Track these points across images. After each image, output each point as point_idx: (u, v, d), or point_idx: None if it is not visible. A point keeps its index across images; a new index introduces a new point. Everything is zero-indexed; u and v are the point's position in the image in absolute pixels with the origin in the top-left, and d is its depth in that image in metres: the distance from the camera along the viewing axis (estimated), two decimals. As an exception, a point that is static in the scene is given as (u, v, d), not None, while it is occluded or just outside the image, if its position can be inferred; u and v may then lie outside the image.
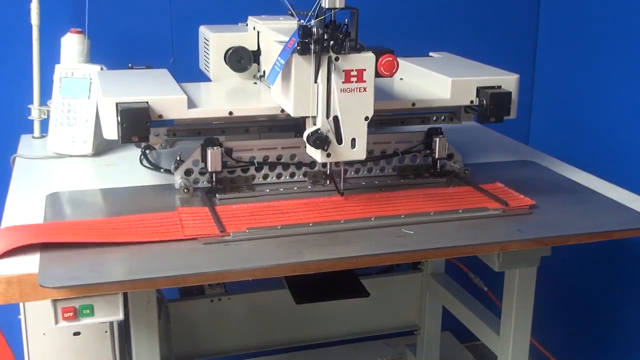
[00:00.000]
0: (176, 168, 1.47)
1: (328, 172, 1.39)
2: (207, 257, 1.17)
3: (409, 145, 1.56)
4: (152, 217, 1.30)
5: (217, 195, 1.41)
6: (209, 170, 1.42)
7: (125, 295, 1.21)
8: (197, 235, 1.24)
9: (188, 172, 1.45)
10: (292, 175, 1.51)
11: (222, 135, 1.54)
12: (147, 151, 1.64)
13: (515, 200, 1.42)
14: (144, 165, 1.62)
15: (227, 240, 1.24)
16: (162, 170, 1.57)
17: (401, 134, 1.58)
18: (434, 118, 1.62)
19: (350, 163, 1.52)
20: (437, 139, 1.54)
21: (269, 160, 1.47)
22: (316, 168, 1.50)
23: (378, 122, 1.59)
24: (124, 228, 1.25)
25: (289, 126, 1.52)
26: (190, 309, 1.95)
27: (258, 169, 1.47)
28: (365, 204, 1.40)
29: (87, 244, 1.18)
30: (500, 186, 1.50)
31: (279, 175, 1.49)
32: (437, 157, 1.55)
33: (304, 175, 1.51)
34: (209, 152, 1.41)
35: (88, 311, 1.15)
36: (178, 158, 1.49)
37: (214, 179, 1.43)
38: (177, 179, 1.44)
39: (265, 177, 1.49)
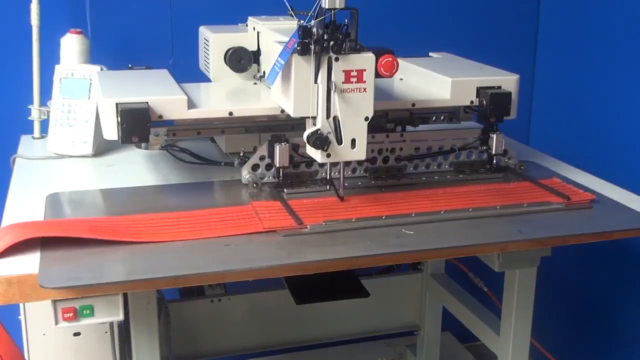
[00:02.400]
0: (241, 163, 1.48)
1: (328, 177, 1.39)
2: (207, 257, 1.17)
3: (465, 142, 1.58)
4: (225, 211, 1.32)
5: (285, 190, 1.42)
6: (277, 165, 1.43)
7: (125, 295, 1.21)
8: (276, 228, 1.26)
9: (254, 168, 1.46)
10: (354, 170, 1.52)
11: (222, 135, 1.54)
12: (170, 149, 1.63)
13: (575, 195, 1.44)
14: (186, 161, 1.60)
15: (305, 232, 1.26)
16: (222, 163, 1.58)
17: (458, 130, 1.61)
18: (433, 118, 1.62)
19: (409, 159, 1.54)
20: (494, 136, 1.55)
21: None
22: (377, 164, 1.52)
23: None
24: (190, 223, 1.27)
25: (289, 126, 1.52)
26: (190, 310, 1.95)
27: (321, 165, 1.48)
28: (431, 198, 1.42)
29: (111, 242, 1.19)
30: (558, 181, 1.53)
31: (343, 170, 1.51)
32: (493, 153, 1.57)
33: (365, 170, 1.52)
34: (277, 148, 1.41)
35: (88, 311, 1.15)
36: (241, 154, 1.51)
37: (280, 174, 1.44)
38: (244, 174, 1.45)
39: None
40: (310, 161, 1.46)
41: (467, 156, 1.60)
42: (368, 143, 1.48)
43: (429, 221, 1.33)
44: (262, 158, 1.46)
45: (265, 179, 1.47)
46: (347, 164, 1.50)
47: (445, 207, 1.37)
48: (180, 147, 1.64)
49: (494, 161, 1.58)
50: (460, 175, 1.56)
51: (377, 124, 1.53)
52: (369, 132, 1.49)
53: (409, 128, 1.57)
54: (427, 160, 1.57)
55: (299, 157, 1.45)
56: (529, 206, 1.39)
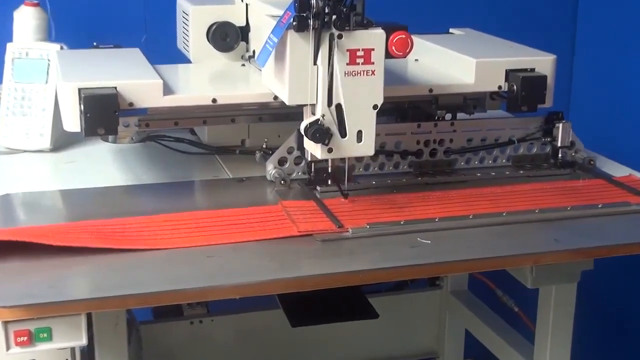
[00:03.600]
0: (264, 157, 1.49)
1: (330, 170, 1.40)
2: (185, 271, 1.18)
3: (525, 132, 1.59)
4: (250, 211, 1.34)
5: (318, 188, 1.43)
6: (308, 159, 1.43)
7: (89, 316, 1.21)
8: (313, 232, 1.27)
9: (281, 162, 1.46)
10: (397, 165, 1.53)
11: (203, 125, 1.54)
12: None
13: None
14: (185, 152, 1.60)
15: (347, 237, 1.27)
16: (237, 151, 1.59)
17: (517, 119, 1.62)
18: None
19: (460, 152, 1.56)
20: (560, 125, 1.57)
21: None
22: (423, 157, 1.54)
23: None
24: (211, 226, 1.28)
25: (283, 115, 1.52)
26: (165, 333, 1.95)
27: (359, 159, 1.48)
28: (490, 198, 1.43)
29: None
30: (636, 179, 1.54)
31: (381, 166, 1.52)
32: (559, 145, 1.58)
33: (409, 165, 1.54)
34: None
35: (45, 335, 1.15)
36: (264, 145, 1.51)
37: (312, 170, 1.45)
38: (270, 170, 1.46)
39: (366, 167, 1.51)
40: None
41: (527, 149, 1.61)
42: (412, 133, 1.51)
43: (488, 224, 1.33)
44: (290, 150, 1.46)
45: (294, 174, 1.48)
46: (387, 158, 1.51)
47: (507, 208, 1.38)
48: (173, 136, 1.63)
49: (559, 155, 1.59)
50: (521, 172, 1.57)
51: (424, 111, 1.55)
52: (414, 119, 1.51)
53: (460, 116, 1.58)
54: (482, 154, 1.58)
55: None
56: (604, 207, 1.40)
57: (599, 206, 1.40)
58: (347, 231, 1.28)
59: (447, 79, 1.54)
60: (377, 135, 1.38)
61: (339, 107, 1.27)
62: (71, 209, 1.41)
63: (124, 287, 1.13)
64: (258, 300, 1.52)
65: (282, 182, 1.45)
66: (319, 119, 1.27)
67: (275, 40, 1.26)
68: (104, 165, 1.61)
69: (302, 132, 1.30)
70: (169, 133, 1.63)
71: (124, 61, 1.49)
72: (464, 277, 2.12)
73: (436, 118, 1.54)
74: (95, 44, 1.61)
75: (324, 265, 1.21)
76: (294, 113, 1.39)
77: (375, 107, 1.29)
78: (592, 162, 1.60)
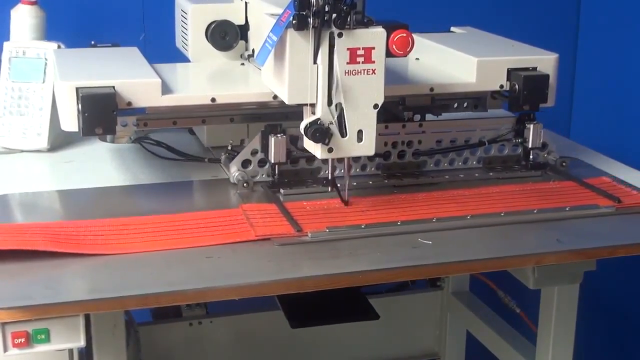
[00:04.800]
0: (229, 159, 1.49)
1: (330, 177, 1.40)
2: (184, 272, 1.18)
3: (496, 133, 1.59)
4: (210, 215, 1.34)
5: (282, 190, 1.43)
6: (272, 161, 1.44)
7: (87, 317, 1.21)
8: (271, 236, 1.27)
9: (245, 164, 1.46)
10: (364, 167, 1.54)
11: (202, 125, 1.54)
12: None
13: (628, 197, 1.45)
14: (162, 157, 1.61)
15: (305, 241, 1.27)
16: (206, 160, 1.59)
17: (487, 119, 1.61)
18: (455, 105, 1.62)
19: (429, 154, 1.56)
20: (531, 126, 1.56)
21: None
22: (391, 159, 1.53)
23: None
24: (166, 230, 1.28)
25: (282, 115, 1.52)
26: (164, 334, 1.95)
27: (325, 160, 1.48)
28: (457, 200, 1.43)
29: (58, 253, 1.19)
30: (607, 181, 1.54)
31: (348, 168, 1.51)
32: (530, 146, 1.58)
33: (377, 167, 1.53)
34: (271, 140, 1.42)
35: (43, 336, 1.15)
36: (229, 147, 1.52)
37: (276, 172, 1.45)
38: (233, 172, 1.46)
39: (332, 169, 1.50)
40: (312, 156, 1.46)
41: (498, 150, 1.61)
42: (380, 135, 1.49)
43: (453, 228, 1.33)
44: (254, 152, 1.47)
45: (258, 177, 1.48)
46: (354, 160, 1.50)
47: (473, 211, 1.38)
48: (154, 139, 1.64)
49: (531, 156, 1.59)
50: (491, 173, 1.57)
51: (392, 112, 1.54)
52: (381, 121, 1.49)
53: (429, 117, 1.58)
54: (451, 155, 1.58)
55: (298, 152, 1.45)
56: (572, 210, 1.40)
57: (567, 209, 1.40)
58: (306, 235, 1.28)
59: (448, 78, 1.54)
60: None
61: (339, 106, 1.28)
62: (69, 209, 1.41)
63: (123, 288, 1.13)
64: (257, 302, 1.53)
65: (245, 184, 1.45)
66: (318, 119, 1.27)
67: (275, 39, 1.26)
68: (101, 165, 1.61)
69: (302, 132, 1.30)
70: (167, 132, 1.63)
71: (122, 60, 1.49)
72: (465, 278, 2.12)
73: (404, 119, 1.54)
74: (92, 42, 1.61)
75: (324, 266, 1.21)
76: (294, 112, 1.39)
77: (375, 106, 1.29)
78: (564, 164, 1.59)
